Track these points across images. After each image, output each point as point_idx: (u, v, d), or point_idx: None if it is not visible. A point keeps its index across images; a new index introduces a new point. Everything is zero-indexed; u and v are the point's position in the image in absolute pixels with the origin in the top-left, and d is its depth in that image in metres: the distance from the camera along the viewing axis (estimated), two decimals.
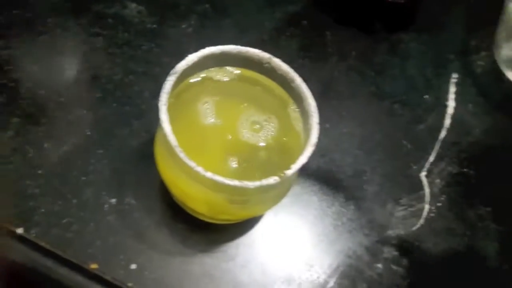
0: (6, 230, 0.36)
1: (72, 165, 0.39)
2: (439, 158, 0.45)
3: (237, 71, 0.35)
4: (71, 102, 0.42)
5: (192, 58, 0.32)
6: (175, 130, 0.29)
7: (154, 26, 0.47)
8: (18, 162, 0.38)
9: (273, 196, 0.33)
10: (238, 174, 0.31)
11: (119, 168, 0.40)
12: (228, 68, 0.35)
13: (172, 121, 0.29)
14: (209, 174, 0.28)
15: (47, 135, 0.40)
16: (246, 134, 0.33)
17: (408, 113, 0.48)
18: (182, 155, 0.28)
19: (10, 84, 0.41)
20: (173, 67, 0.44)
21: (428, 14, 0.56)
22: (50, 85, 0.42)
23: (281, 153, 0.33)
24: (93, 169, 0.39)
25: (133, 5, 0.47)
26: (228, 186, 0.28)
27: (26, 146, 0.39)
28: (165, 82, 0.31)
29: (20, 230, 0.36)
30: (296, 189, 0.41)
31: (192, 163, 0.28)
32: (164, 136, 0.29)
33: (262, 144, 0.33)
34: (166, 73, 0.44)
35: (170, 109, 0.30)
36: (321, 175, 0.42)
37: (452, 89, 0.51)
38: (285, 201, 0.40)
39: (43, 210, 0.37)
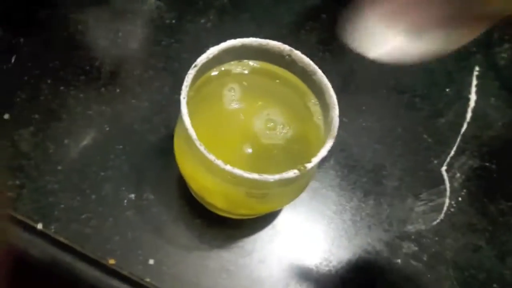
0: (25, 225, 0.37)
1: (92, 160, 0.40)
2: (460, 152, 0.45)
3: (256, 64, 0.35)
4: (91, 98, 0.42)
5: (212, 51, 0.32)
6: (194, 124, 0.29)
7: (173, 21, 0.47)
8: (38, 158, 0.39)
9: (292, 190, 0.33)
10: (254, 162, 0.31)
11: (138, 163, 0.40)
12: (248, 61, 0.35)
13: (192, 114, 0.29)
14: (228, 167, 0.28)
15: (67, 131, 0.40)
16: (265, 126, 0.33)
17: (429, 107, 0.47)
18: (202, 148, 0.28)
19: (31, 80, 0.42)
20: (192, 62, 0.45)
21: None
22: (70, 81, 0.42)
23: (300, 146, 0.33)
24: (112, 164, 0.40)
25: (152, 0, 0.47)
26: (248, 179, 0.28)
27: (47, 142, 0.40)
28: (186, 75, 0.31)
29: (39, 226, 0.37)
30: (314, 184, 0.41)
31: (212, 156, 0.28)
32: (184, 129, 0.29)
33: (280, 136, 0.33)
34: (185, 68, 0.44)
35: (190, 103, 0.30)
36: (340, 170, 0.42)
37: (474, 82, 0.50)
38: (303, 196, 0.39)
39: (62, 206, 0.38)
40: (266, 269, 0.37)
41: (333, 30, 0.50)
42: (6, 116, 0.40)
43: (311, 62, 0.33)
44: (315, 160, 0.29)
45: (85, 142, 0.40)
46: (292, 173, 0.29)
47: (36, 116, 0.41)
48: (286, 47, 0.33)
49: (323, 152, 0.29)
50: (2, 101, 0.41)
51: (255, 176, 0.28)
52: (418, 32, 0.25)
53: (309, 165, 0.29)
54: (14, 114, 0.40)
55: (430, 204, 0.42)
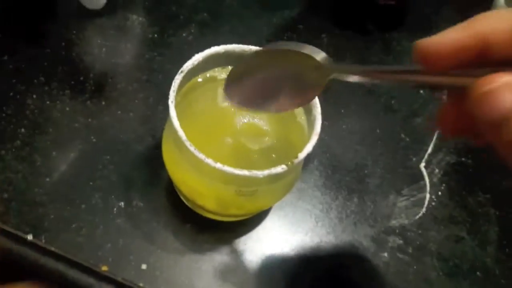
0: (15, 236, 0.37)
1: (80, 171, 0.40)
2: (437, 149, 0.47)
3: None
4: (76, 111, 0.43)
5: (197, 57, 0.33)
6: (182, 127, 0.30)
7: (155, 35, 0.48)
8: (26, 171, 0.39)
9: (280, 187, 0.34)
10: (239, 163, 0.32)
11: (126, 172, 0.41)
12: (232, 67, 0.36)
13: (179, 119, 0.30)
14: (219, 165, 0.29)
15: (54, 144, 0.41)
16: (250, 129, 0.34)
17: (405, 108, 0.49)
18: (192, 148, 0.29)
19: (17, 96, 0.42)
20: (175, 73, 0.46)
21: (419, 14, 0.58)
22: (55, 96, 0.43)
23: (284, 147, 0.34)
24: (101, 174, 0.40)
25: (134, 16, 0.49)
26: (238, 176, 0.29)
27: (34, 155, 0.40)
28: (173, 80, 0.32)
29: (30, 236, 0.37)
30: (300, 185, 0.42)
31: (201, 155, 0.29)
32: (174, 132, 0.30)
33: (265, 139, 0.34)
34: (169, 80, 0.45)
35: (177, 107, 0.31)
36: (324, 171, 0.43)
37: None
38: (290, 197, 0.41)
39: (52, 216, 0.38)
40: (257, 269, 0.38)
41: (310, 40, 0.52)
42: None
43: None
44: (301, 155, 0.30)
45: (72, 154, 0.41)
46: (280, 168, 0.30)
47: (23, 130, 0.41)
48: None
49: (309, 147, 0.31)
50: None
51: (245, 172, 0.29)
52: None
53: (296, 161, 0.30)
54: (0, 129, 0.41)
55: (412, 199, 0.43)
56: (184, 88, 0.34)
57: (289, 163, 0.30)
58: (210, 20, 0.50)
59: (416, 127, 0.48)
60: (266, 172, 0.29)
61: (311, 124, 0.33)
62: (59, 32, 0.47)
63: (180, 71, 0.33)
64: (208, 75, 0.36)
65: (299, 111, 0.35)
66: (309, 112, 0.34)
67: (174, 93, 0.32)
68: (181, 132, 0.30)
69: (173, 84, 0.32)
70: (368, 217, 0.41)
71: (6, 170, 0.39)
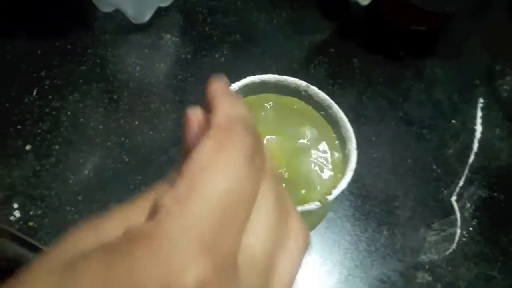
0: None
1: (111, 191, 0.40)
2: (468, 182, 0.46)
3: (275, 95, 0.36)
4: (110, 129, 0.43)
5: (233, 86, 0.33)
6: None
7: (189, 56, 0.48)
8: (59, 188, 0.40)
9: (311, 221, 0.34)
10: None
11: None
12: (267, 94, 0.36)
13: None
14: None
15: (87, 162, 0.41)
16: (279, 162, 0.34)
17: (437, 138, 0.48)
18: None
19: (52, 112, 0.43)
20: None
21: (451, 40, 0.57)
22: (89, 114, 0.43)
23: (297, 178, 0.34)
24: (132, 195, 0.40)
25: (168, 35, 0.49)
26: None
27: (67, 172, 0.41)
28: None
29: None
30: (329, 214, 0.42)
31: None
32: None
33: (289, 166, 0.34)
34: (201, 101, 0.45)
35: None
36: (354, 201, 0.43)
37: (479, 113, 0.51)
38: (318, 227, 0.40)
39: None
40: None
41: (341, 64, 0.52)
42: (28, 147, 0.41)
43: (327, 97, 0.34)
44: (336, 192, 0.30)
45: (104, 173, 0.41)
46: (314, 205, 0.29)
47: (57, 147, 0.42)
48: (302, 83, 0.35)
49: (343, 184, 0.30)
50: (24, 133, 0.42)
51: None
52: None
53: (330, 197, 0.30)
54: (36, 145, 0.41)
55: (442, 234, 0.42)
56: None
57: (323, 199, 0.30)
58: (243, 41, 0.51)
59: (448, 158, 0.47)
60: (299, 208, 0.29)
61: (345, 158, 0.33)
62: (95, 49, 0.47)
63: None
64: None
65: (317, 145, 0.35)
66: (343, 145, 0.34)
67: None
68: None
69: None
70: (398, 251, 0.41)
71: (40, 186, 0.40)
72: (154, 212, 0.15)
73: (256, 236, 0.16)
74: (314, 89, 0.35)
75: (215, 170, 0.15)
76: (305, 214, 0.31)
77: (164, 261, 0.13)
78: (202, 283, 0.13)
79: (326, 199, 0.30)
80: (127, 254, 0.14)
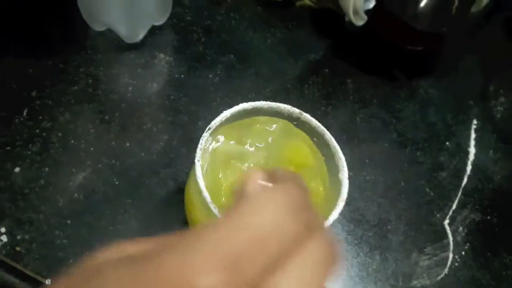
0: (34, 280, 0.37)
1: (101, 215, 0.40)
2: (461, 205, 0.46)
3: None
4: (100, 151, 0.43)
5: (225, 114, 0.33)
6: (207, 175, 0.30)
7: (182, 76, 0.48)
8: (48, 212, 0.39)
9: None
10: None
11: (147, 217, 0.40)
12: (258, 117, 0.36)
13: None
14: None
15: (77, 185, 0.41)
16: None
17: (430, 160, 0.48)
18: (215, 211, 0.29)
19: (43, 133, 0.43)
20: (200, 115, 0.46)
21: (446, 60, 0.58)
22: (80, 135, 0.43)
23: None
24: (121, 219, 0.40)
25: (162, 55, 0.49)
26: None
27: (57, 196, 0.40)
28: (201, 138, 0.31)
29: (48, 282, 0.36)
30: None
31: None
32: (199, 191, 0.30)
33: None
34: (194, 122, 0.45)
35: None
36: (346, 224, 0.43)
37: (473, 135, 0.51)
38: None
39: (71, 261, 0.38)
40: None
41: (335, 85, 0.52)
42: (17, 170, 0.41)
43: (319, 124, 0.34)
44: (327, 223, 0.30)
45: (95, 196, 0.41)
46: None
47: (46, 169, 0.41)
48: (295, 110, 0.34)
49: (334, 215, 0.30)
50: (13, 154, 0.41)
51: None
52: None
53: None
54: (25, 167, 0.41)
55: (435, 258, 0.42)
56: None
57: None
58: (237, 62, 0.50)
59: (441, 181, 0.47)
60: None
61: (336, 186, 0.33)
62: (88, 68, 0.47)
63: (208, 128, 0.32)
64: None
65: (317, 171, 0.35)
66: (335, 173, 0.33)
67: (201, 152, 0.31)
68: (205, 194, 0.29)
69: (200, 141, 0.32)
70: (390, 276, 0.41)
71: (29, 210, 0.39)
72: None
73: (287, 281, 0.16)
74: (307, 116, 0.35)
75: (259, 209, 0.17)
76: None
77: (187, 266, 0.15)
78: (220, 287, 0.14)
79: None
80: (155, 257, 0.15)
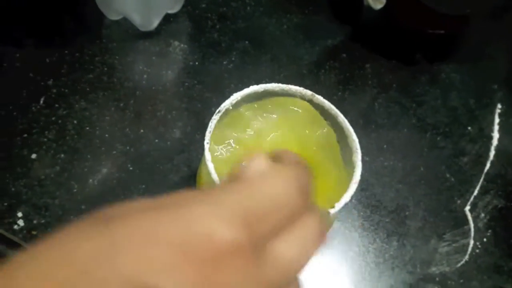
0: None
1: (115, 200, 0.40)
2: (484, 191, 0.44)
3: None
4: (115, 138, 0.43)
5: (236, 96, 0.33)
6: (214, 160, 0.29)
7: (196, 63, 0.48)
8: (63, 197, 0.40)
9: None
10: None
11: None
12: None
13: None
14: None
15: (91, 171, 0.41)
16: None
17: (451, 145, 0.47)
18: None
19: (59, 121, 0.43)
20: (214, 102, 0.46)
21: (470, 44, 0.56)
22: (95, 122, 0.43)
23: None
24: None
25: (176, 43, 0.49)
26: None
27: (72, 181, 0.41)
28: (210, 121, 0.31)
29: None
30: (336, 224, 0.41)
31: None
32: (208, 174, 0.29)
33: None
34: (207, 108, 0.45)
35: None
36: (362, 210, 0.42)
37: (496, 120, 0.50)
38: None
39: None
40: None
41: (353, 70, 0.51)
42: (34, 156, 0.41)
43: (332, 106, 0.33)
44: (338, 205, 0.29)
45: (108, 182, 0.41)
46: None
47: (62, 155, 0.42)
48: (307, 92, 0.34)
49: (346, 197, 0.30)
50: (30, 142, 0.42)
51: None
52: None
53: (332, 210, 0.29)
54: (41, 154, 0.41)
55: (454, 245, 0.41)
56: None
57: (326, 212, 0.29)
58: (252, 48, 0.50)
59: (462, 167, 0.45)
60: None
61: (350, 168, 0.32)
62: (103, 57, 0.47)
63: (217, 110, 0.32)
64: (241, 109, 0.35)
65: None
66: (349, 156, 0.33)
67: (210, 134, 0.31)
68: (215, 176, 0.29)
69: (210, 124, 0.31)
70: (407, 263, 0.40)
71: (45, 195, 0.40)
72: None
73: (288, 245, 0.18)
74: (319, 98, 0.34)
75: (271, 179, 0.18)
76: None
77: (213, 216, 0.16)
78: (238, 244, 0.16)
79: (328, 212, 0.29)
80: (184, 205, 0.16)
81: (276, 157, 0.22)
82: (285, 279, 0.18)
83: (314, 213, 0.20)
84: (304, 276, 0.38)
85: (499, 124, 0.49)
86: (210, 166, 0.29)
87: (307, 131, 0.34)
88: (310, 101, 0.34)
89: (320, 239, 0.19)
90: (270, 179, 0.19)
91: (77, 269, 0.14)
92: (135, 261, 0.15)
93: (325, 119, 0.35)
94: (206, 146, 0.30)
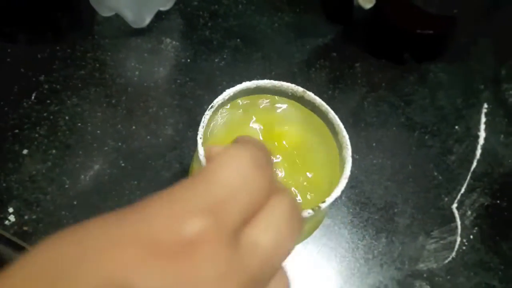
0: None
1: (107, 196, 0.40)
2: (470, 189, 0.45)
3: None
4: (107, 134, 0.43)
5: (228, 92, 0.33)
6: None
7: (188, 60, 0.48)
8: (55, 193, 0.40)
9: (305, 229, 0.33)
10: None
11: None
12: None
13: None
14: None
15: (83, 167, 0.41)
16: (281, 160, 0.33)
17: (439, 144, 0.48)
18: None
19: (50, 116, 0.43)
20: (206, 99, 0.46)
21: (457, 44, 0.57)
22: (87, 118, 0.43)
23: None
24: (127, 200, 0.40)
25: (168, 40, 0.49)
26: None
27: (63, 177, 0.41)
28: (203, 116, 0.31)
29: None
30: (326, 221, 0.41)
31: None
32: (200, 169, 0.30)
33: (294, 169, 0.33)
34: (199, 106, 0.45)
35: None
36: (352, 207, 0.42)
37: (483, 119, 0.50)
38: (315, 233, 0.40)
39: None
40: None
41: (343, 68, 0.51)
42: (25, 152, 0.41)
43: (323, 103, 0.34)
44: (329, 199, 0.30)
45: (100, 178, 0.41)
46: (306, 213, 0.29)
47: (54, 151, 0.42)
48: (299, 89, 0.34)
49: (337, 192, 0.30)
50: (21, 137, 0.42)
51: None
52: None
53: (323, 205, 0.29)
54: (33, 150, 0.41)
55: (442, 242, 0.42)
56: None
57: (316, 207, 0.29)
58: (243, 45, 0.50)
59: (450, 165, 0.46)
60: None
61: (340, 165, 0.33)
62: (95, 53, 0.47)
63: (210, 106, 0.32)
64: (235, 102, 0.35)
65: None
66: (340, 151, 0.33)
67: (203, 129, 0.31)
68: None
69: (202, 119, 0.32)
70: (396, 259, 0.40)
71: (36, 191, 0.40)
72: None
73: (261, 231, 0.18)
74: (310, 95, 0.34)
75: (225, 163, 0.18)
76: None
77: (176, 211, 0.16)
78: (205, 232, 0.16)
79: (319, 207, 0.30)
80: (140, 211, 0.17)
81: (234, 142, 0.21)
82: (267, 267, 0.17)
83: (283, 194, 0.19)
84: (293, 271, 0.39)
85: (485, 123, 0.50)
86: (203, 161, 0.30)
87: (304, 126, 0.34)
88: (302, 97, 0.35)
89: (293, 219, 0.19)
90: (224, 163, 0.18)
91: (55, 275, 0.15)
92: (109, 262, 0.15)
93: (317, 116, 0.35)
94: (199, 141, 0.31)
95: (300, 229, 0.19)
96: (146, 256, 0.15)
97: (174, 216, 0.16)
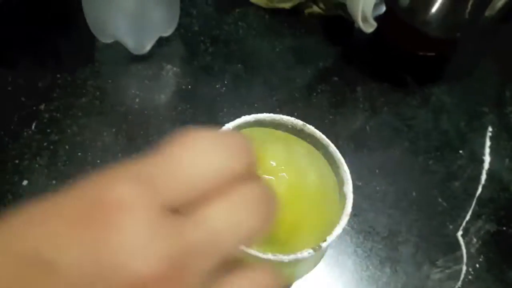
0: None
1: None
2: (475, 216, 0.44)
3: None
4: (107, 164, 0.42)
5: (227, 126, 0.33)
6: None
7: (189, 87, 0.48)
8: None
9: (305, 266, 0.33)
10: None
11: None
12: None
13: None
14: (241, 247, 0.28)
15: None
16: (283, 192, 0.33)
17: (443, 169, 0.47)
18: None
19: (50, 146, 0.43)
20: (207, 126, 0.46)
21: (460, 66, 0.56)
22: (87, 147, 0.43)
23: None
24: None
25: (169, 66, 0.49)
26: (262, 259, 0.28)
27: None
28: None
29: None
30: (329, 251, 0.41)
31: None
32: None
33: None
34: None
35: None
36: (355, 236, 0.42)
37: (488, 143, 0.50)
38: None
39: None
40: None
41: (345, 93, 0.51)
42: (25, 183, 0.41)
43: (323, 136, 0.33)
44: (330, 239, 0.29)
45: None
46: (306, 253, 0.28)
47: (54, 182, 0.41)
48: (299, 122, 0.34)
49: (338, 230, 0.29)
50: (21, 168, 0.41)
51: (269, 256, 0.28)
52: None
53: (324, 244, 0.29)
54: (32, 180, 0.41)
55: (447, 271, 0.41)
56: None
57: (317, 247, 0.29)
58: (244, 71, 0.50)
59: (454, 191, 0.46)
60: (292, 256, 0.28)
61: (341, 200, 0.32)
62: (95, 80, 0.47)
63: None
64: None
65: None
66: (340, 186, 0.33)
67: None
68: None
69: None
70: None
71: None
72: None
73: (213, 208, 0.17)
74: (310, 128, 0.34)
75: (185, 145, 0.18)
76: (295, 263, 0.30)
77: (106, 179, 0.16)
78: (131, 197, 0.15)
79: (320, 246, 0.29)
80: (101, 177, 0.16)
81: None
82: (211, 242, 0.16)
83: (257, 183, 0.18)
84: None
85: (490, 147, 0.49)
86: None
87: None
88: (301, 130, 0.34)
89: (263, 206, 0.18)
90: (184, 145, 0.18)
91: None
92: (27, 238, 0.15)
93: (317, 149, 0.35)
94: None
95: (267, 220, 0.18)
96: (63, 227, 0.15)
97: (101, 183, 0.16)
